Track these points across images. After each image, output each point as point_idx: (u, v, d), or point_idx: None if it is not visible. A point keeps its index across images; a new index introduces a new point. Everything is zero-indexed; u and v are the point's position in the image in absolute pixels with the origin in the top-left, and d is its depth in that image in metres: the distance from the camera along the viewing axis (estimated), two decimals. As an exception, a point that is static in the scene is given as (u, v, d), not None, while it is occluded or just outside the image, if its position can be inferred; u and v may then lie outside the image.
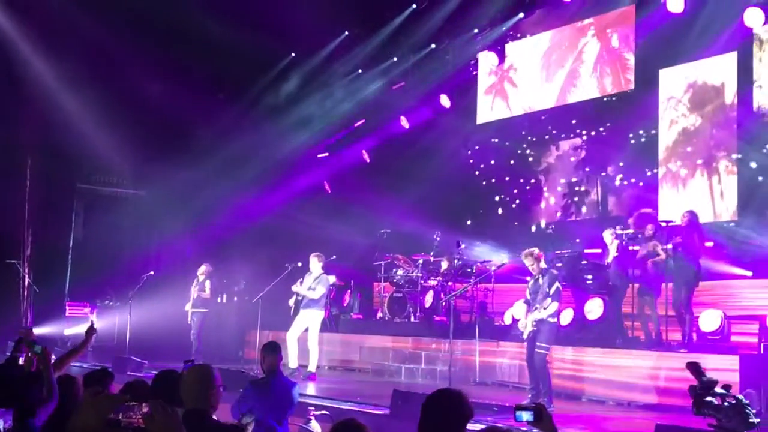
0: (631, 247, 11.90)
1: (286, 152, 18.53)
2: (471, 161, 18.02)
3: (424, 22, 16.93)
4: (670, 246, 11.07)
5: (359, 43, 17.88)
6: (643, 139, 15.13)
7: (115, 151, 17.10)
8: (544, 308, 9.46)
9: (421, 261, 14.74)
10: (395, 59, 18.07)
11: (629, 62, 15.24)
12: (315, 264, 12.85)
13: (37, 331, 16.15)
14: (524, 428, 4.20)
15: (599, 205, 16.05)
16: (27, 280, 16.73)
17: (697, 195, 14.10)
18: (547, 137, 17.15)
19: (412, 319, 14.36)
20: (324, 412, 7.68)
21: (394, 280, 15.04)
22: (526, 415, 3.41)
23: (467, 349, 12.49)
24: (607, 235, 12.15)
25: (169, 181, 17.33)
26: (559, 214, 16.65)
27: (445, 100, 17.43)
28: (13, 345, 6.92)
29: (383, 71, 18.30)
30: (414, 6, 16.76)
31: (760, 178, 13.24)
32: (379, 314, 15.46)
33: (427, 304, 14.42)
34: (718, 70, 14.03)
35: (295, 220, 17.66)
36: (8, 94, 15.93)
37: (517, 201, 17.55)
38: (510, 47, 16.58)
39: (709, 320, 10.90)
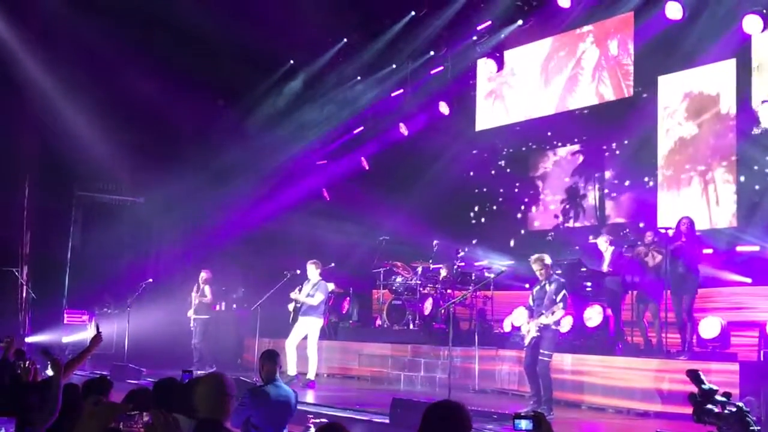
0: (626, 254, 11.89)
1: (285, 159, 18.54)
2: (470, 168, 18.01)
3: (423, 30, 16.94)
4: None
5: (358, 50, 17.89)
6: (641, 146, 15.13)
7: (113, 158, 17.11)
8: (552, 314, 9.44)
9: (420, 268, 14.73)
10: (394, 66, 18.07)
11: (628, 69, 15.25)
12: (312, 271, 12.85)
13: (36, 339, 16.20)
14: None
15: (597, 210, 16.06)
16: (25, 287, 16.71)
17: (696, 202, 14.10)
18: (545, 144, 17.15)
19: (411, 326, 14.34)
20: (323, 419, 7.66)
21: (393, 288, 15.03)
22: (525, 424, 3.41)
23: (466, 357, 12.47)
24: (602, 242, 12.14)
25: (168, 188, 17.32)
26: (560, 218, 16.61)
27: (444, 107, 17.43)
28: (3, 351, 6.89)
29: (382, 78, 18.30)
30: (413, 13, 16.76)
31: (758, 186, 13.23)
32: (378, 322, 15.46)
33: (426, 312, 14.40)
34: (717, 76, 14.04)
35: (293, 227, 17.66)
36: (6, 101, 15.92)
37: (516, 207, 17.54)
38: (509, 54, 16.59)
39: (709, 327, 10.90)
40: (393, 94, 18.48)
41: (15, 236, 16.80)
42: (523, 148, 17.52)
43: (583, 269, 12.25)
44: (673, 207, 14.14)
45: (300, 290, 12.84)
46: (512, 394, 11.69)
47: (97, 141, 16.45)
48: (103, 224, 18.01)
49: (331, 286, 13.82)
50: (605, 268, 11.97)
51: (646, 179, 15.04)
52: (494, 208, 17.85)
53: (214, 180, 17.91)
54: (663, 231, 11.29)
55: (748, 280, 12.42)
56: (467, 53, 17.13)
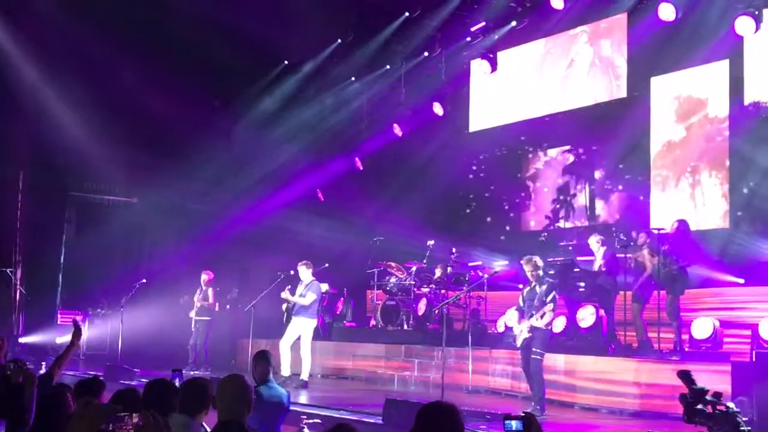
0: (619, 254, 11.90)
1: (279, 160, 18.52)
2: (464, 168, 18.03)
3: (417, 30, 16.95)
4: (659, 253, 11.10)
5: (352, 51, 17.89)
6: (634, 147, 15.16)
7: (107, 159, 17.08)
8: (541, 317, 9.49)
9: (414, 269, 14.74)
10: (388, 67, 18.08)
11: (621, 70, 15.28)
12: (304, 272, 12.86)
13: (29, 339, 16.17)
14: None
15: (587, 210, 16.10)
16: (19, 288, 16.68)
17: (688, 202, 14.13)
18: (539, 144, 17.20)
19: (405, 327, 14.35)
20: (316, 420, 7.66)
21: (387, 288, 15.04)
22: (515, 424, 3.43)
23: (460, 357, 12.48)
24: (593, 242, 12.14)
25: (161, 188, 17.30)
26: (559, 220, 16.63)
27: (438, 108, 17.44)
28: None
29: (376, 79, 18.31)
30: (407, 14, 16.77)
31: (751, 184, 13.27)
32: (372, 322, 15.46)
33: (420, 312, 14.42)
34: (710, 78, 14.08)
35: (287, 228, 17.65)
36: (0, 102, 15.90)
37: (509, 208, 17.58)
38: (502, 55, 16.60)
39: (701, 328, 10.93)
40: (387, 95, 18.47)
41: (8, 236, 16.78)
42: (517, 149, 17.56)
43: (576, 270, 12.26)
44: (664, 208, 14.17)
45: (292, 290, 12.84)
46: (505, 394, 11.72)
47: (90, 141, 16.43)
48: (96, 225, 17.98)
49: (324, 287, 13.80)
50: (596, 267, 11.97)
51: (640, 179, 15.07)
52: (487, 208, 17.88)
53: (208, 180, 17.89)
54: (656, 232, 11.32)
55: (741, 281, 12.46)
56: (461, 54, 17.16)
